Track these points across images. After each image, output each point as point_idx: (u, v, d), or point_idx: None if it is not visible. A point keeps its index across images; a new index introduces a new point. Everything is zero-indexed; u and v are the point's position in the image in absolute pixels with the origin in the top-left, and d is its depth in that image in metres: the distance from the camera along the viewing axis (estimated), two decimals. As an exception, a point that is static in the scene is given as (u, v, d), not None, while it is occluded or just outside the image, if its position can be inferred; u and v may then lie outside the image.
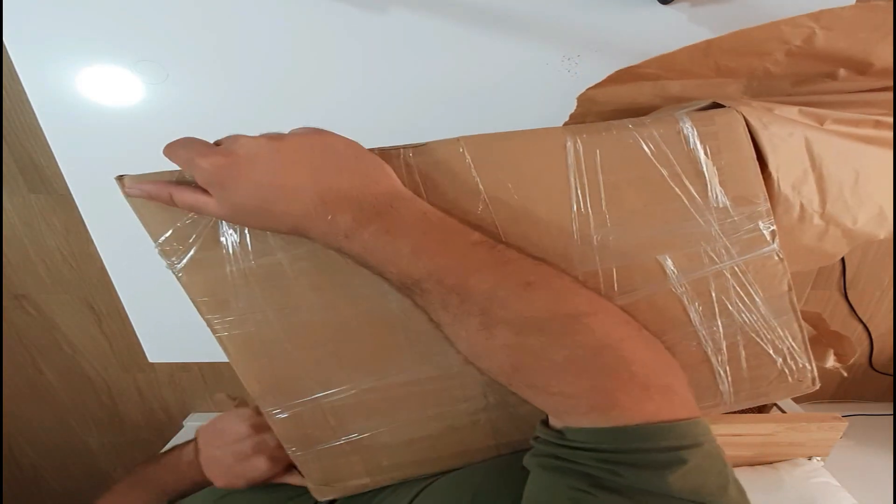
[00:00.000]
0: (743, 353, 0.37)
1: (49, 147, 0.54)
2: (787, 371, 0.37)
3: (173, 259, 0.31)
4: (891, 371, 1.08)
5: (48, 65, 0.50)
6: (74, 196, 0.57)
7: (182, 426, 1.24)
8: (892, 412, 1.07)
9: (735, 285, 0.36)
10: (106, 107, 0.52)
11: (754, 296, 0.36)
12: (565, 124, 0.46)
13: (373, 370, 0.35)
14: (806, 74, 0.43)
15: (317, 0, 0.47)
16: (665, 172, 0.36)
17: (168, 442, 1.17)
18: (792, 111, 0.37)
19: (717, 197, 0.37)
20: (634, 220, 0.36)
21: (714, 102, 0.38)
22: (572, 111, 0.47)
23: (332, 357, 0.34)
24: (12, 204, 1.02)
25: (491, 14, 0.48)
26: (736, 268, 0.36)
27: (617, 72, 0.44)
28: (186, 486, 0.43)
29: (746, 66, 0.44)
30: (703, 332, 0.36)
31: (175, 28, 0.48)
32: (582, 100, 0.46)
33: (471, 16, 0.48)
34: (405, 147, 0.31)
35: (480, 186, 0.33)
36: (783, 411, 0.94)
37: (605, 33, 0.49)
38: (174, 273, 0.31)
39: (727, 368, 0.37)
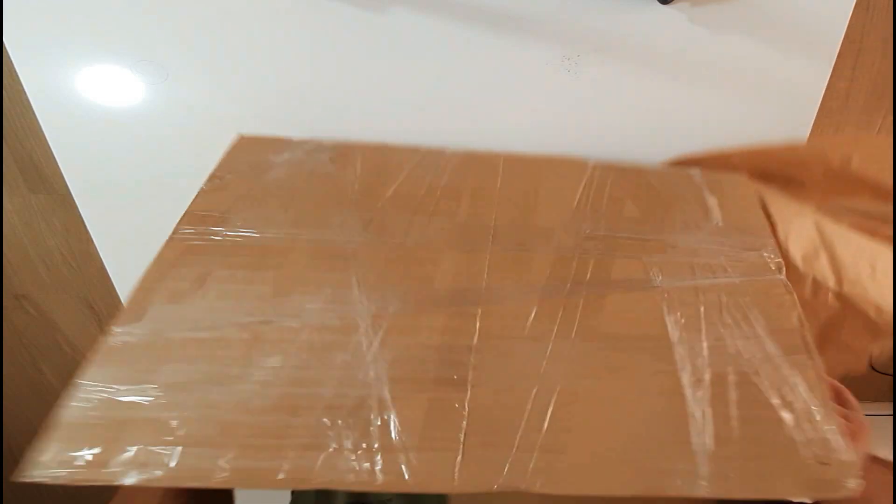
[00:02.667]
0: (733, 393, 0.27)
1: (49, 147, 0.53)
2: (801, 439, 0.25)
3: None
4: (891, 371, 1.08)
5: (48, 65, 0.50)
6: (74, 196, 0.57)
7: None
8: (892, 412, 1.07)
9: (728, 304, 0.31)
10: (106, 107, 0.52)
11: (753, 322, 0.30)
12: None
13: None
14: (836, 193, 0.44)
15: (317, 0, 0.47)
16: (667, 193, 0.38)
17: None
18: (808, 207, 0.38)
19: (717, 221, 0.37)
20: (628, 224, 0.37)
21: None
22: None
23: None
24: (12, 204, 1.02)
25: (491, 14, 0.48)
26: (732, 285, 0.32)
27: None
28: None
29: (783, 175, 0.46)
30: (681, 351, 0.29)
31: (175, 28, 0.48)
32: None
33: (471, 15, 0.48)
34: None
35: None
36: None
37: (605, 33, 0.49)
38: None
39: (706, 411, 0.26)
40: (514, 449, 0.27)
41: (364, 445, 0.27)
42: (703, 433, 0.25)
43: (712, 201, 0.39)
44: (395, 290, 0.34)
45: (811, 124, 0.52)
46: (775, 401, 0.26)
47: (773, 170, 0.46)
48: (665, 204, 0.40)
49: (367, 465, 0.26)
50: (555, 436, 0.28)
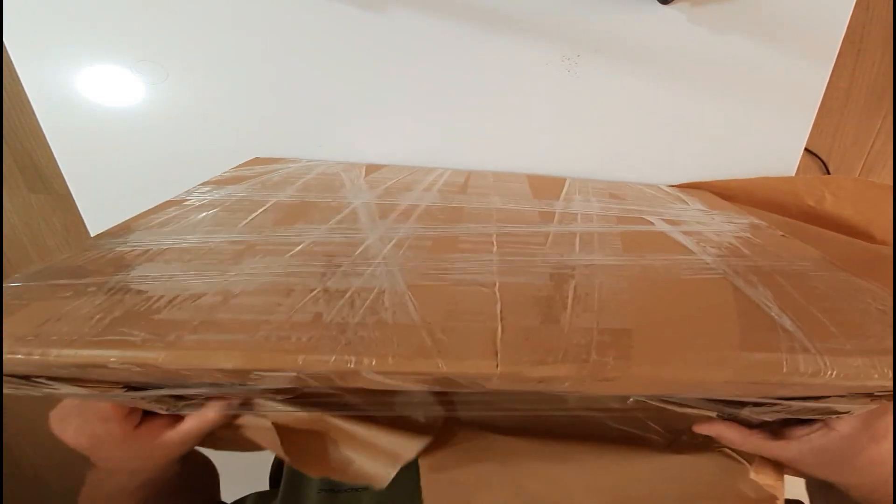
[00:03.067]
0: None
1: (49, 147, 0.54)
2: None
3: None
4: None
5: (48, 65, 0.50)
6: (74, 196, 0.57)
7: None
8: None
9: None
10: (106, 107, 0.52)
11: None
12: None
13: None
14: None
15: (317, 0, 0.47)
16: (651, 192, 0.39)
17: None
18: None
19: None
20: (605, 202, 0.40)
21: None
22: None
23: None
24: (12, 204, 1.02)
25: (491, 14, 0.48)
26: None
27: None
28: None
29: (774, 206, 0.51)
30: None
31: (175, 28, 0.48)
32: None
33: (470, 16, 0.48)
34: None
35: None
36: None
37: (605, 33, 0.49)
38: None
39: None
40: (567, 327, 0.22)
41: (374, 320, 0.22)
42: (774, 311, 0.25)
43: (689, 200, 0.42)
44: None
45: (811, 124, 0.52)
46: None
47: (764, 200, 0.50)
48: (645, 198, 0.44)
49: (378, 335, 0.21)
50: (612, 316, 0.23)
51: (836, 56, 0.49)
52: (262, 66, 0.50)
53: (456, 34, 0.49)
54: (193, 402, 0.29)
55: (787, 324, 0.23)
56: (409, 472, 0.32)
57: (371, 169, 0.50)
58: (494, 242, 0.32)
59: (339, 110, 0.52)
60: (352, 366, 0.19)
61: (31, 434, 1.35)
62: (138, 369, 0.20)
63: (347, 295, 0.24)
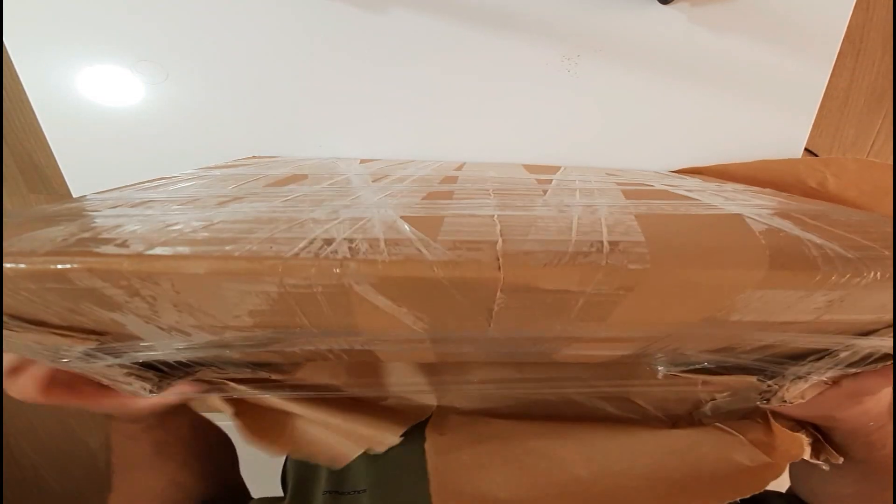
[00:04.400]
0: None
1: (49, 147, 0.54)
2: None
3: None
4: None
5: (48, 65, 0.50)
6: (74, 196, 0.57)
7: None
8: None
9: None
10: (106, 107, 0.52)
11: None
12: None
13: None
14: None
15: (317, 0, 0.47)
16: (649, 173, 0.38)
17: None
18: None
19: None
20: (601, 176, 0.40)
21: None
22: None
23: None
24: (12, 204, 1.02)
25: (490, 14, 0.48)
26: None
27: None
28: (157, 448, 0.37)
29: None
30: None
31: (175, 28, 0.48)
32: None
33: (470, 15, 0.48)
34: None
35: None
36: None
37: (605, 33, 0.49)
38: None
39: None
40: (574, 241, 0.19)
41: (363, 235, 0.19)
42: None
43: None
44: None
45: (811, 124, 0.52)
46: None
47: (765, 182, 0.48)
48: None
49: (367, 247, 0.18)
50: (621, 233, 0.21)
51: (836, 56, 0.49)
52: (263, 67, 0.50)
53: (455, 34, 0.49)
54: (175, 376, 0.27)
55: (815, 239, 0.20)
56: (411, 475, 0.33)
57: (367, 160, 0.50)
58: (491, 193, 0.29)
59: (340, 110, 0.52)
60: (337, 271, 0.17)
61: (31, 434, 1.35)
62: (102, 283, 0.17)
63: (336, 221, 0.22)
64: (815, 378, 0.25)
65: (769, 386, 0.27)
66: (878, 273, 0.17)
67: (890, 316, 0.19)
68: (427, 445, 0.33)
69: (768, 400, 0.28)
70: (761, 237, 0.21)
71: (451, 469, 0.32)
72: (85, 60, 0.50)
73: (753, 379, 0.27)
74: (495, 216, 0.23)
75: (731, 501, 0.29)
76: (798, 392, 0.27)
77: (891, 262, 0.18)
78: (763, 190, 0.38)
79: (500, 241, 0.19)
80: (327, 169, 0.41)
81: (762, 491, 0.30)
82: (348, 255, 0.17)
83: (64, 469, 1.41)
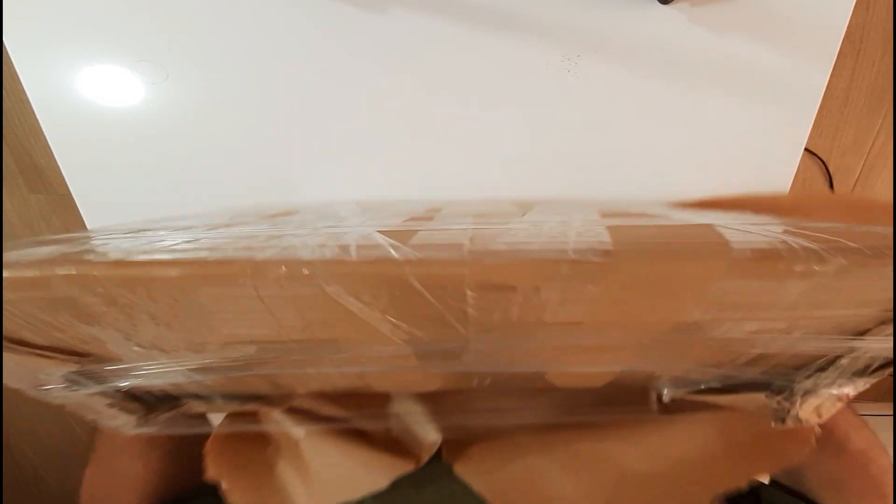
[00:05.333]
0: None
1: (49, 147, 0.54)
2: None
3: None
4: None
5: (48, 65, 0.50)
6: (74, 196, 0.57)
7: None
8: (892, 412, 1.07)
9: None
10: (106, 107, 0.52)
11: None
12: None
13: None
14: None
15: (322, 2, 0.47)
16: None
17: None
18: None
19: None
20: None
21: None
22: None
23: None
24: (12, 204, 1.02)
25: (490, 14, 0.48)
26: None
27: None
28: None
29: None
30: None
31: (175, 28, 0.48)
32: None
33: (470, 15, 0.48)
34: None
35: None
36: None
37: (605, 33, 0.49)
38: None
39: None
40: (540, 244, 0.20)
41: (337, 242, 0.19)
42: None
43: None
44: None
45: (811, 124, 0.52)
46: None
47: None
48: None
49: (339, 252, 0.18)
50: (590, 238, 0.21)
51: (836, 56, 0.49)
52: (263, 66, 0.50)
53: (455, 34, 0.49)
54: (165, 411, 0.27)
55: (782, 236, 0.20)
56: (414, 488, 0.32)
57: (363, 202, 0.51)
58: (471, 217, 0.29)
59: (340, 110, 0.52)
60: (306, 271, 0.17)
61: (31, 434, 1.35)
62: (79, 290, 0.18)
63: (315, 235, 0.22)
64: (825, 392, 0.25)
65: (779, 403, 0.27)
66: (844, 259, 0.17)
67: (869, 308, 0.19)
68: (461, 472, 0.32)
69: (783, 420, 0.28)
70: (728, 236, 0.21)
71: (508, 484, 0.31)
72: (85, 60, 0.50)
73: (762, 396, 0.27)
74: (469, 229, 0.23)
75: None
76: (812, 409, 0.27)
77: (856, 250, 0.17)
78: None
79: (468, 243, 0.19)
80: (322, 206, 0.42)
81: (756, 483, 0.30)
82: (319, 257, 0.17)
83: (64, 469, 1.41)
